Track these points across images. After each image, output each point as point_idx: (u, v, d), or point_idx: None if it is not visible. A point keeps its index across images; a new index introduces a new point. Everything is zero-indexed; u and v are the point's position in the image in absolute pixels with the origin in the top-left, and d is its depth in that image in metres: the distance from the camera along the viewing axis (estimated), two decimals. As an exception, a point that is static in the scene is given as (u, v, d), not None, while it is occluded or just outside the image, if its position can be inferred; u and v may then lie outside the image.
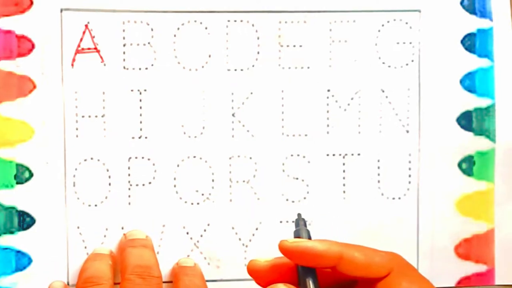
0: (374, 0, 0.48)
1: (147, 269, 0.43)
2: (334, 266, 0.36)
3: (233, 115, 0.47)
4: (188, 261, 0.46)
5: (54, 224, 0.46)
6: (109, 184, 0.46)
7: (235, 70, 0.47)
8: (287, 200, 0.48)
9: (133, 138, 0.47)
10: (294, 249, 0.37)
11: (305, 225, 0.39)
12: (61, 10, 0.46)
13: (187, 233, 0.47)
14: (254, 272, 0.39)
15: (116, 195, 0.46)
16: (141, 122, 0.47)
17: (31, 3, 0.45)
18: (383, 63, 0.48)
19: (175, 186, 0.47)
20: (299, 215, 0.40)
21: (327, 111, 0.48)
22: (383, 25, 0.48)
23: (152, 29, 0.47)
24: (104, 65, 0.46)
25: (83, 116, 0.46)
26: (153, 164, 0.47)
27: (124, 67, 0.47)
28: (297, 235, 0.39)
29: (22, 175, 0.45)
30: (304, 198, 0.48)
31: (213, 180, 0.47)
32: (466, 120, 0.49)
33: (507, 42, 0.49)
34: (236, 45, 0.47)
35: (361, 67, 0.48)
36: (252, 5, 0.47)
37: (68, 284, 0.46)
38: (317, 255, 0.36)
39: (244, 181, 0.48)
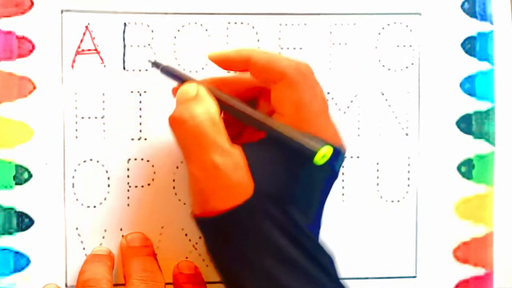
0: (375, 3, 0.48)
1: (151, 274, 0.43)
2: (246, 69, 0.41)
3: (232, 117, 0.47)
4: (190, 265, 0.47)
5: (52, 225, 0.46)
6: (108, 185, 0.46)
7: (235, 72, 0.47)
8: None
9: (132, 139, 0.47)
10: (216, 57, 0.42)
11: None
12: (62, 11, 0.46)
13: (186, 234, 0.47)
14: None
15: (115, 196, 0.46)
16: (140, 124, 0.47)
17: (32, 4, 0.45)
18: (383, 66, 0.48)
19: (174, 188, 0.47)
20: (153, 63, 0.44)
21: (327, 114, 0.48)
22: (383, 28, 0.48)
23: (152, 31, 0.47)
24: (104, 66, 0.46)
25: (82, 117, 0.46)
26: (152, 166, 0.47)
27: (124, 69, 0.47)
28: (166, 70, 0.43)
29: (21, 176, 0.45)
30: (303, 200, 0.48)
31: (212, 182, 0.47)
32: (466, 123, 0.49)
33: (507, 46, 0.49)
34: (236, 47, 0.47)
35: (361, 70, 0.48)
36: (252, 8, 0.47)
37: (66, 285, 0.46)
38: (229, 59, 0.42)
39: (243, 183, 0.48)
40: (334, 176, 0.41)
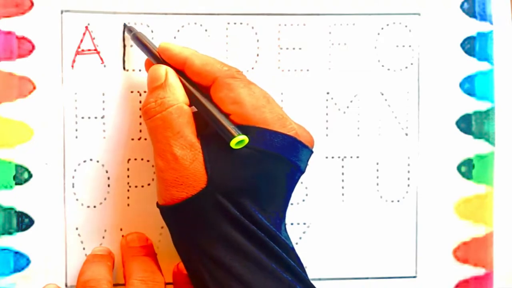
0: (374, 3, 0.48)
1: (151, 275, 0.43)
2: (182, 67, 0.42)
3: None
4: None
5: (52, 225, 0.46)
6: (108, 185, 0.46)
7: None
8: (286, 202, 0.48)
9: (132, 139, 0.47)
10: (164, 48, 0.43)
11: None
12: (62, 12, 0.46)
13: (186, 234, 0.47)
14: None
15: (115, 196, 0.47)
16: (140, 124, 0.47)
17: (32, 4, 0.46)
18: (383, 66, 0.48)
19: (174, 187, 0.47)
20: (127, 28, 0.46)
21: (326, 114, 0.48)
22: (382, 28, 0.48)
23: (152, 31, 0.47)
24: (104, 66, 0.47)
25: (82, 117, 0.46)
26: (152, 166, 0.47)
27: (124, 69, 0.47)
28: (137, 37, 0.45)
29: (21, 176, 0.45)
30: (303, 200, 0.48)
31: (212, 182, 0.47)
32: (466, 123, 0.49)
33: (507, 46, 0.49)
34: (235, 48, 0.48)
35: (360, 70, 0.48)
36: (252, 8, 0.47)
37: (66, 285, 0.46)
38: (172, 53, 0.42)
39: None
40: (299, 170, 0.42)
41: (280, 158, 0.40)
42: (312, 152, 0.43)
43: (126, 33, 0.46)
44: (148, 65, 0.44)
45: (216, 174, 0.40)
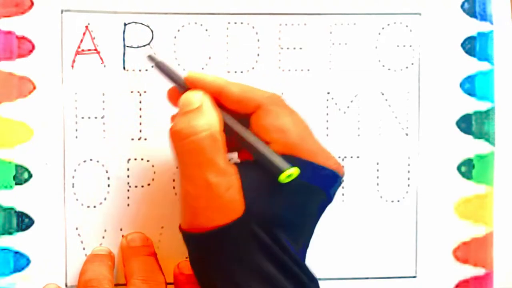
0: (375, 3, 0.48)
1: (152, 274, 0.43)
2: (217, 96, 0.40)
3: (232, 117, 0.47)
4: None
5: (52, 225, 0.46)
6: (108, 185, 0.46)
7: (235, 72, 0.47)
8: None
9: (132, 139, 0.47)
10: (194, 78, 0.41)
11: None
12: (62, 11, 0.46)
13: (186, 234, 0.47)
14: (171, 98, 0.42)
15: (115, 196, 0.47)
16: (140, 124, 0.47)
17: (32, 4, 0.45)
18: (383, 66, 0.48)
19: (174, 188, 0.47)
20: (149, 57, 0.43)
21: (327, 114, 0.48)
22: (383, 28, 0.48)
23: (152, 31, 0.47)
24: (104, 66, 0.46)
25: (82, 117, 0.46)
26: (152, 166, 0.47)
27: (124, 69, 0.47)
28: (160, 66, 0.42)
29: (21, 176, 0.45)
30: (303, 200, 0.48)
31: (212, 182, 0.47)
32: (466, 123, 0.49)
33: (507, 46, 0.49)
34: (236, 47, 0.47)
35: (361, 70, 0.48)
36: (252, 7, 0.47)
37: (66, 285, 0.46)
38: (205, 82, 0.40)
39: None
40: (330, 202, 0.41)
41: (318, 191, 0.39)
42: (343, 181, 0.42)
43: (148, 61, 0.44)
44: (172, 93, 0.42)
45: (253, 203, 0.38)
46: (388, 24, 0.48)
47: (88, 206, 0.46)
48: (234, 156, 0.43)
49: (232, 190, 0.38)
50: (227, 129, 0.40)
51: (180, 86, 0.41)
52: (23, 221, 0.45)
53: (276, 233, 0.38)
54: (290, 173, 0.37)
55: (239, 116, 0.40)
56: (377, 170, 0.49)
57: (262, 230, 0.38)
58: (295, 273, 0.38)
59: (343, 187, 0.48)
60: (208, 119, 0.39)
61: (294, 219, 0.39)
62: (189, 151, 0.38)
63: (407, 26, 0.49)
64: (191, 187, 0.38)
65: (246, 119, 0.41)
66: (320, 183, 0.39)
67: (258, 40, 0.48)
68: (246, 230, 0.38)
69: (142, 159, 0.47)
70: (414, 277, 0.49)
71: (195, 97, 0.39)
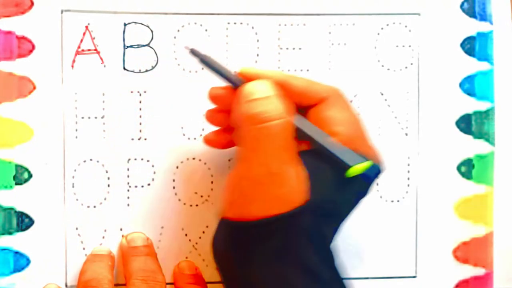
0: (374, 3, 0.48)
1: (152, 274, 0.43)
2: (280, 89, 0.39)
3: (232, 117, 0.47)
4: (190, 265, 0.47)
5: (52, 225, 0.46)
6: (108, 185, 0.46)
7: (235, 72, 0.47)
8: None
9: (132, 139, 0.47)
10: (251, 73, 0.41)
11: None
12: (62, 11, 0.46)
13: (186, 235, 0.47)
14: (215, 97, 0.42)
15: (115, 196, 0.47)
16: (140, 124, 0.47)
17: (32, 4, 0.46)
18: (383, 66, 0.48)
19: (174, 187, 0.47)
20: (191, 50, 0.42)
21: (327, 114, 0.48)
22: (382, 28, 0.48)
23: (152, 31, 0.47)
24: (104, 66, 0.46)
25: (82, 117, 0.46)
26: (152, 166, 0.47)
27: (124, 69, 0.47)
28: (205, 60, 0.42)
29: (21, 176, 0.45)
30: (303, 200, 0.48)
31: (212, 182, 0.47)
32: (466, 123, 0.49)
33: (507, 46, 0.49)
34: (235, 48, 0.48)
35: (360, 70, 0.48)
36: (252, 8, 0.47)
37: (66, 285, 0.46)
38: (266, 76, 0.40)
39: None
40: (365, 194, 0.41)
41: (365, 186, 0.40)
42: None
43: (191, 56, 0.42)
44: (217, 90, 0.42)
45: (315, 194, 0.38)
46: (387, 24, 0.49)
47: (88, 206, 0.46)
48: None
49: (298, 178, 0.38)
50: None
51: (231, 81, 0.41)
52: (23, 221, 0.45)
53: (330, 224, 0.39)
54: (361, 168, 0.38)
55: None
56: (377, 170, 0.49)
57: (318, 221, 0.38)
58: (334, 266, 0.39)
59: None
60: (283, 108, 0.38)
61: (342, 212, 0.40)
62: (263, 136, 0.37)
63: (406, 26, 0.49)
64: (255, 172, 0.37)
65: (302, 112, 0.41)
66: (371, 180, 0.40)
67: (258, 41, 0.48)
68: (306, 219, 0.38)
69: (142, 159, 0.47)
70: (414, 277, 0.49)
71: (266, 86, 0.39)
